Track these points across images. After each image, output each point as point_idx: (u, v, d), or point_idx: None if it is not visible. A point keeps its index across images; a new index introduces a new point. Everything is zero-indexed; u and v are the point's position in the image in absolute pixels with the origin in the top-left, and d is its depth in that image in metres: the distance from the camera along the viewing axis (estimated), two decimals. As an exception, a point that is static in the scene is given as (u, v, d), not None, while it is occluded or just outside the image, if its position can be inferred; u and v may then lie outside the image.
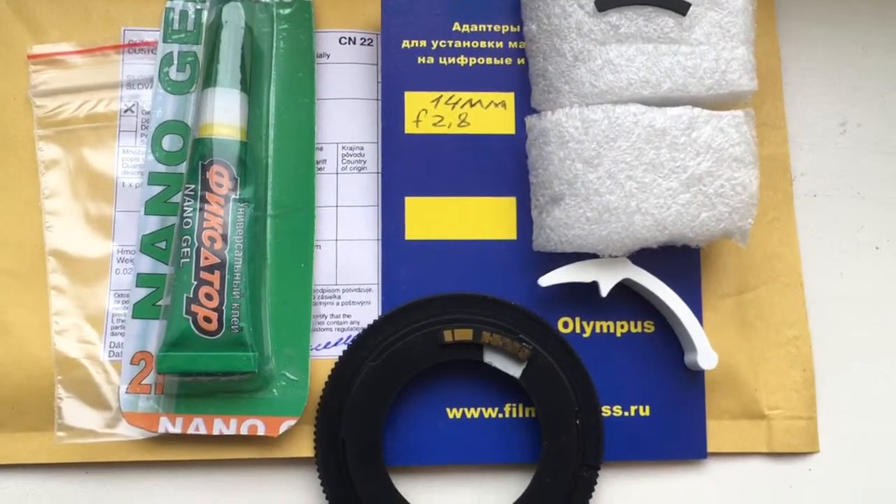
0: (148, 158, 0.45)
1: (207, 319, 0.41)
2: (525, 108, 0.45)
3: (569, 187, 0.41)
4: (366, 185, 0.45)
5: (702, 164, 0.41)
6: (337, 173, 0.45)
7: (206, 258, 0.41)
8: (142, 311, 0.43)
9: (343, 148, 0.45)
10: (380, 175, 0.45)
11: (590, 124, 0.41)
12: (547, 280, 0.42)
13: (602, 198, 0.41)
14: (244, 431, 0.42)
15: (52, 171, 0.44)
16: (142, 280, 0.43)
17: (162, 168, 0.44)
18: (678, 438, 0.44)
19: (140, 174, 0.45)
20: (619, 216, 0.41)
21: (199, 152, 0.42)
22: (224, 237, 0.42)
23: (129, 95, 0.46)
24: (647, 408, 0.44)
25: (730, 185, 0.42)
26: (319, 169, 0.45)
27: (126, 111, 0.45)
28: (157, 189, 0.44)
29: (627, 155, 0.41)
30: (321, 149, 0.45)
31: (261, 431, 0.42)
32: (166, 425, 0.42)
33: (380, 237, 0.44)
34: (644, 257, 0.43)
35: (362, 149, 0.45)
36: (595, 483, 0.42)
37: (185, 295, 0.41)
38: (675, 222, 0.41)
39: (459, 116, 0.45)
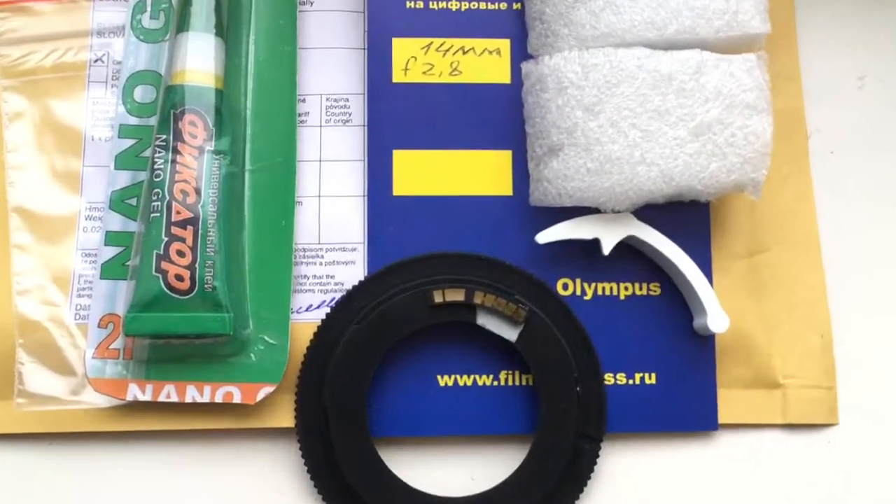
0: (119, 110, 0.42)
1: (179, 278, 0.38)
2: (522, 56, 0.42)
3: (568, 136, 0.38)
4: (351, 139, 0.42)
5: (711, 112, 0.38)
6: (320, 126, 0.42)
7: (178, 212, 0.38)
8: (111, 271, 0.40)
9: (327, 100, 0.43)
10: (366, 128, 0.42)
11: (590, 69, 0.38)
12: (545, 236, 0.39)
13: (604, 147, 0.38)
14: (219, 399, 0.39)
15: (15, 124, 0.42)
16: (111, 238, 0.40)
17: (133, 120, 0.42)
18: (687, 409, 0.41)
19: (110, 127, 0.42)
20: (622, 167, 0.38)
21: (171, 100, 0.39)
22: (197, 191, 0.39)
23: (99, 44, 0.43)
24: (654, 375, 0.41)
25: (741, 133, 0.39)
26: (301, 122, 0.42)
27: (96, 61, 0.43)
28: (128, 142, 0.41)
29: (631, 101, 0.38)
30: (303, 100, 0.42)
31: (237, 399, 0.39)
32: (135, 392, 0.39)
33: (366, 193, 0.41)
34: (649, 215, 0.40)
35: (347, 100, 0.42)
36: (597, 456, 0.39)
37: (154, 251, 0.38)
38: (682, 173, 0.38)
39: (451, 65, 0.42)
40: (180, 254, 0.38)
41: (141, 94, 0.42)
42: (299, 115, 0.42)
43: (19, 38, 0.42)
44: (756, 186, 0.39)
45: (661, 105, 0.38)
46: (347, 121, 0.42)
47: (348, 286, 0.40)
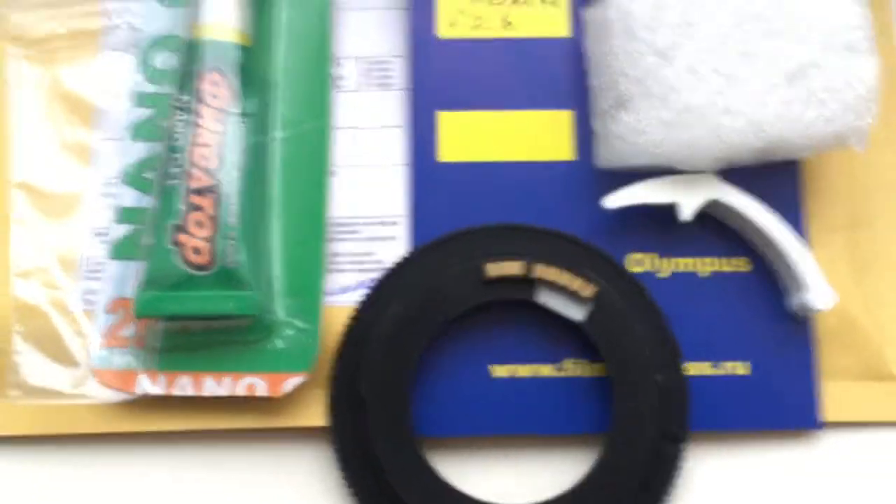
0: (136, 78, 0.38)
1: (197, 251, 0.33)
2: (580, 6, 0.37)
3: (639, 86, 0.34)
4: (391, 104, 0.38)
5: (805, 54, 0.33)
6: (357, 91, 0.38)
7: (198, 179, 0.34)
8: (123, 251, 0.36)
9: (364, 62, 0.38)
10: (408, 90, 0.37)
11: (663, 9, 0.34)
12: (615, 200, 0.34)
13: (681, 96, 0.33)
14: (241, 391, 0.34)
15: (23, 93, 0.38)
16: (124, 215, 0.36)
17: (152, 88, 0.38)
18: (784, 403, 0.35)
19: (126, 97, 0.38)
20: (704, 117, 0.33)
21: (191, 58, 0.35)
22: (220, 156, 0.34)
23: (115, 9, 0.39)
24: (745, 365, 0.35)
25: (841, 77, 0.33)
26: (336, 86, 0.38)
27: (112, 27, 0.39)
28: (145, 112, 0.37)
29: (711, 44, 0.33)
30: (339, 64, 0.38)
31: (261, 391, 0.34)
32: (145, 385, 0.34)
33: (407, 161, 0.37)
34: (732, 181, 0.35)
35: (387, 63, 0.38)
36: (680, 459, 0.34)
37: (170, 222, 0.34)
38: (773, 123, 0.33)
39: (502, 17, 0.38)
40: (199, 224, 0.34)
41: (161, 61, 0.38)
42: (334, 78, 0.38)
43: (30, 3, 0.39)
44: (860, 136, 0.34)
45: (747, 47, 0.33)
46: (387, 84, 0.38)
47: (388, 264, 0.36)
